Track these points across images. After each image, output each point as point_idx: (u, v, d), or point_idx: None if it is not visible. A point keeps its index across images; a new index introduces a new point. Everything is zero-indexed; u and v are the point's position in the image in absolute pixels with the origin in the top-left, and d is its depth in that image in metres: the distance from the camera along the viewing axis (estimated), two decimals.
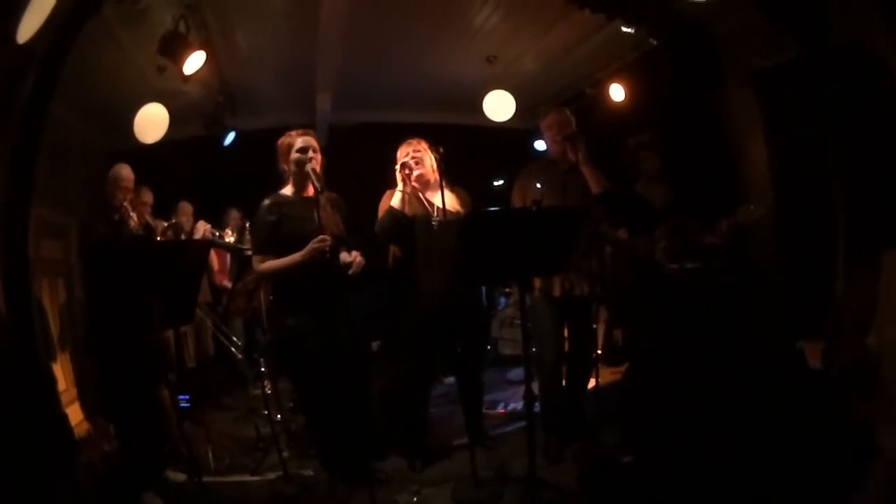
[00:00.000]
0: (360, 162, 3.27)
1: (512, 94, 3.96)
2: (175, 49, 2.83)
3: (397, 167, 2.70)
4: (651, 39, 3.29)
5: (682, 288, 2.79)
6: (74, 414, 3.10)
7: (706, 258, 2.88)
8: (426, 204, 2.75)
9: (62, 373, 3.17)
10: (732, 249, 2.84)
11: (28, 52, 2.16)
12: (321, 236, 2.31)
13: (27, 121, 2.36)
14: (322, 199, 2.42)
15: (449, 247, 2.26)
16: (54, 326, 3.24)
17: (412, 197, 2.75)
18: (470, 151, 3.33)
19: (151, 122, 3.33)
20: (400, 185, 2.67)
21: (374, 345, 3.93)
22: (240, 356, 3.94)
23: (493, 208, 2.64)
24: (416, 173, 2.71)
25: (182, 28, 2.84)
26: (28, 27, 2.06)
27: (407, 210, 2.70)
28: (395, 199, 2.68)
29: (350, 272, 2.49)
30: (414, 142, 2.81)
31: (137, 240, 2.53)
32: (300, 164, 2.44)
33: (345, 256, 2.56)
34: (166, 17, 2.88)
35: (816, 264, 2.79)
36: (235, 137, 4.01)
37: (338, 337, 2.40)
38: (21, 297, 2.36)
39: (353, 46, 3.45)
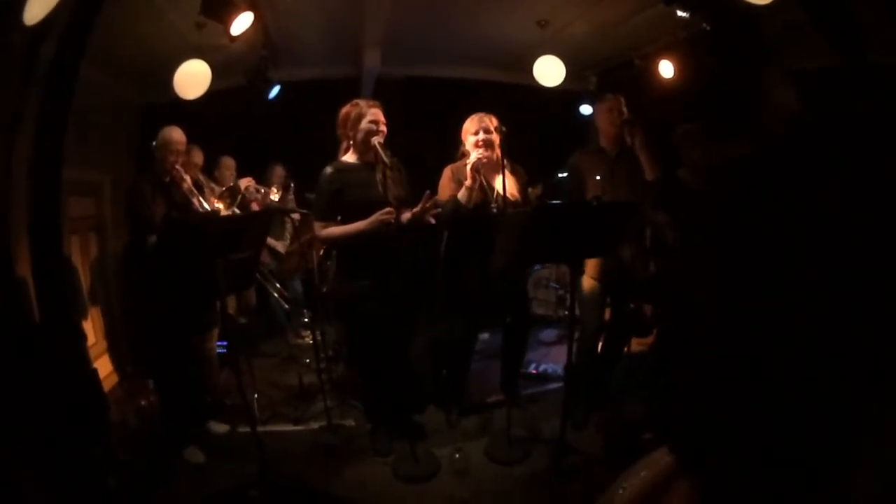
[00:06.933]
0: (407, 115, 3.17)
1: (560, 58, 3.87)
2: (220, 9, 2.70)
3: (468, 165, 2.60)
4: (704, 24, 3.20)
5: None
6: (103, 366, 3.20)
7: None
8: (486, 190, 2.69)
9: (92, 327, 3.28)
10: None
11: (45, 25, 2.09)
12: (387, 209, 2.39)
13: (55, 83, 2.32)
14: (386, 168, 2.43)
15: (504, 233, 2.35)
16: (84, 281, 3.29)
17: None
18: (521, 116, 3.21)
19: (193, 78, 3.24)
20: (468, 182, 2.60)
21: None
22: (286, 306, 4.06)
23: (556, 202, 2.75)
24: (485, 162, 2.64)
25: None
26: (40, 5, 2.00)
27: (471, 202, 2.64)
28: (462, 194, 2.61)
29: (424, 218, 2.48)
30: (486, 119, 2.71)
31: (205, 218, 2.49)
32: (369, 135, 2.46)
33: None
34: None
35: None
36: (280, 91, 3.93)
37: (395, 299, 2.52)
38: (51, 254, 2.40)
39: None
